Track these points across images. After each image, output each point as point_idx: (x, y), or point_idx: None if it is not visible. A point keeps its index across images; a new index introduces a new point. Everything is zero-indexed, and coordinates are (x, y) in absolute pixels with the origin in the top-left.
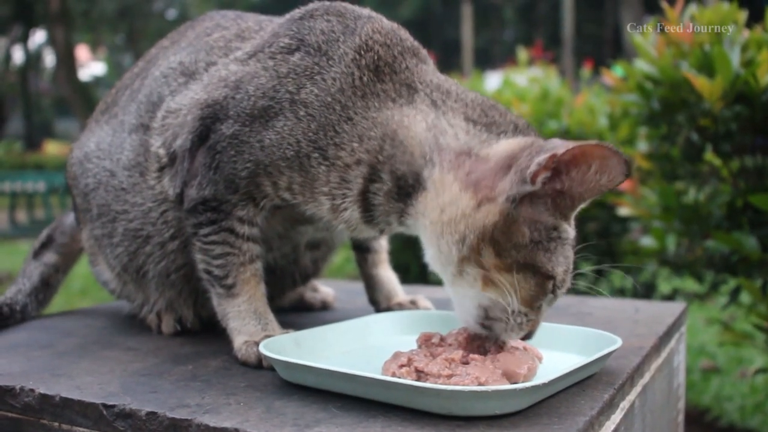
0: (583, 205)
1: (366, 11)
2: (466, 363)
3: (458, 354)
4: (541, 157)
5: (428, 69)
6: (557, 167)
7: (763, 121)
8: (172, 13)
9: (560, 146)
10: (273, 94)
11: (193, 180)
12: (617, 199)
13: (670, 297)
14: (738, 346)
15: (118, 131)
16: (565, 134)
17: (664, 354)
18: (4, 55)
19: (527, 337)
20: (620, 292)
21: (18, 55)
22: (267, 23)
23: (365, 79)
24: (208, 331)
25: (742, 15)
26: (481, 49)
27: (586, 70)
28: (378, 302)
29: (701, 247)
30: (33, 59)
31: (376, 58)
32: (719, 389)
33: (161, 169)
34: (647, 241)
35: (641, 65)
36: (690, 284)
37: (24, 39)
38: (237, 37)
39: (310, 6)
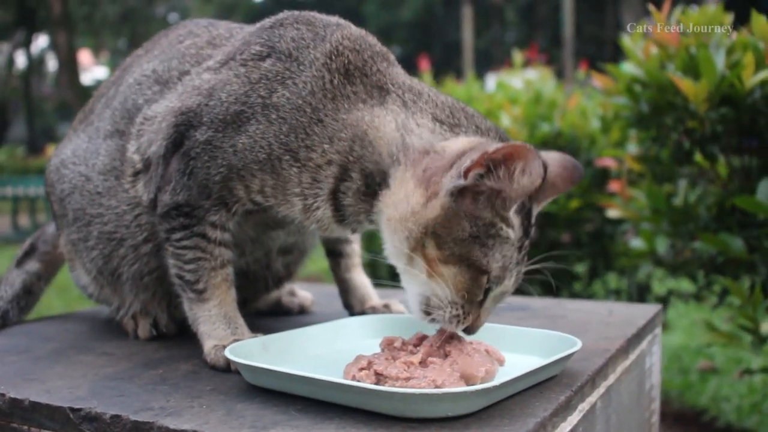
0: (514, 207)
1: (334, 19)
2: (425, 366)
3: (417, 357)
4: (475, 154)
5: (399, 71)
6: (488, 165)
7: (750, 123)
8: (173, 17)
9: (492, 145)
10: (245, 99)
11: (166, 186)
12: (607, 201)
13: (665, 298)
14: (726, 347)
15: (93, 137)
16: (557, 137)
17: (633, 356)
18: (7, 59)
19: (469, 331)
20: (616, 294)
21: (21, 60)
22: (237, 30)
23: (336, 82)
24: (185, 336)
25: (729, 17)
26: (482, 50)
27: (582, 72)
28: (352, 306)
29: (689, 249)
30: (36, 64)
31: (346, 62)
32: (717, 389)
33: (136, 174)
34: (637, 243)
35: (629, 68)
36: (685, 285)
37: (27, 44)
38: (208, 44)
39: (280, 15)
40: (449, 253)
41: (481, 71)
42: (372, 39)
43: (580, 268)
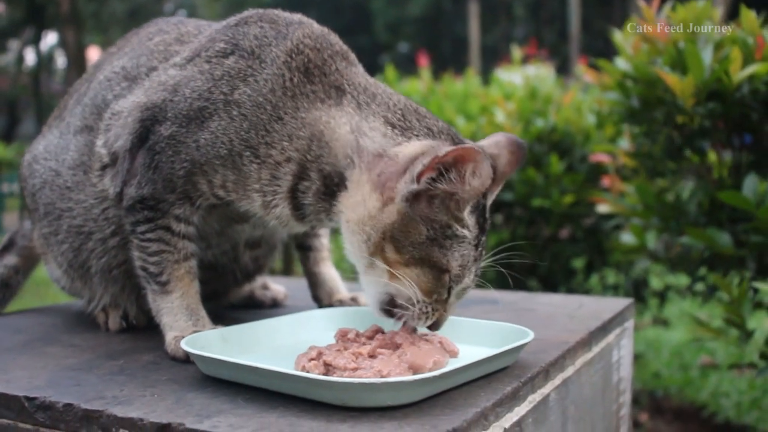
0: (468, 208)
1: (297, 17)
2: (374, 357)
3: (366, 348)
4: (426, 159)
5: (358, 71)
6: (440, 168)
7: (741, 118)
8: (182, 14)
9: (443, 149)
10: (208, 95)
11: (132, 179)
12: (597, 197)
13: (662, 293)
14: (720, 342)
15: (64, 133)
16: (552, 132)
17: (596, 349)
18: (17, 57)
19: (434, 327)
20: (614, 289)
21: (30, 57)
22: (206, 27)
23: (295, 80)
24: (155, 327)
25: (717, 12)
26: (490, 46)
27: (581, 68)
28: (320, 299)
29: (678, 244)
30: (45, 61)
31: (306, 60)
32: (717, 385)
33: (103, 168)
34: (628, 238)
35: (620, 63)
36: (684, 280)
37: (36, 41)
38: (176, 41)
39: (245, 13)
40: (409, 256)
41: (489, 67)
42: (334, 38)
43: (578, 264)
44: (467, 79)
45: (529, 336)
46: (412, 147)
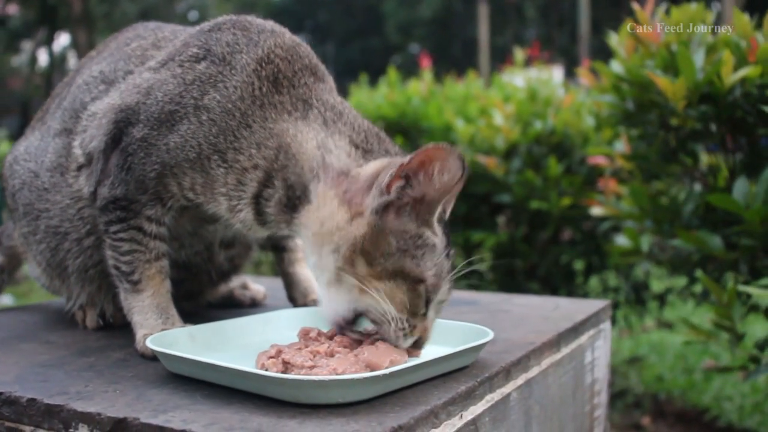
0: (438, 209)
1: (270, 25)
2: (332, 355)
3: (324, 346)
4: (392, 170)
5: (325, 88)
6: (407, 175)
7: (735, 120)
8: (193, 15)
9: (407, 157)
10: (179, 99)
11: (106, 180)
12: (591, 199)
13: (662, 296)
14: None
15: (45, 136)
16: (551, 134)
17: (566, 350)
18: (30, 58)
19: (418, 344)
20: (614, 291)
21: (43, 58)
22: (182, 32)
23: (264, 89)
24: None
25: (710, 15)
26: (501, 48)
27: (584, 70)
28: (295, 299)
29: (672, 246)
30: (57, 62)
31: (276, 70)
32: (720, 389)
33: (79, 168)
34: (622, 240)
35: (615, 66)
36: (683, 283)
37: (49, 42)
38: (153, 46)
39: (219, 19)
40: (381, 268)
41: (499, 68)
42: (304, 50)
43: (579, 266)
44: (468, 81)
45: (488, 336)
46: (372, 166)
